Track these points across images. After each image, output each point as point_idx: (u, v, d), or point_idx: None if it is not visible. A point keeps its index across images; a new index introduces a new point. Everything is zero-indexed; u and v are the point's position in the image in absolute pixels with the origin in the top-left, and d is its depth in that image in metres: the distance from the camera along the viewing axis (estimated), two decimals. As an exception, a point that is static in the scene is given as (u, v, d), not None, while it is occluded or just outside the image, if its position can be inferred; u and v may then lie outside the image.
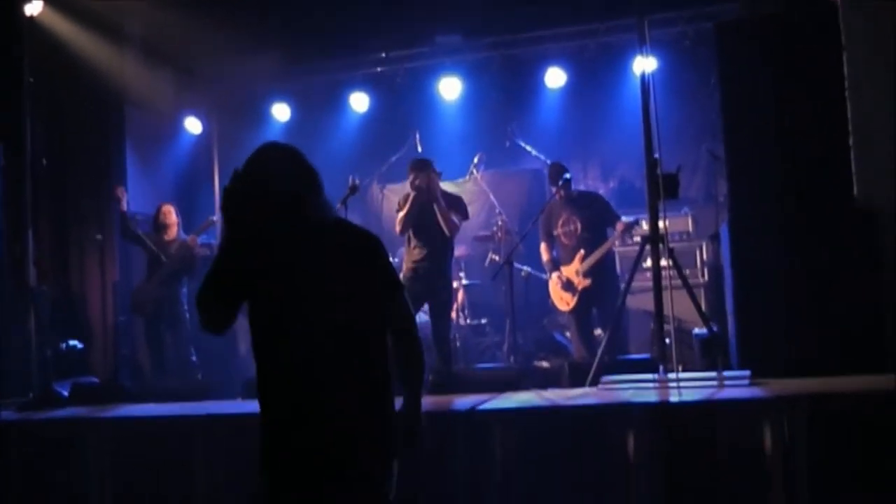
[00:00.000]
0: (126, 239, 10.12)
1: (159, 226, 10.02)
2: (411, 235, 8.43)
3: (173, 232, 9.98)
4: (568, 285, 8.97)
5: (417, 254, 8.35)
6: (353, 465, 3.62)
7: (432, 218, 8.30)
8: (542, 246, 9.38)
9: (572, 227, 9.03)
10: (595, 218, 9.00)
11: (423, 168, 8.41)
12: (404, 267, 8.38)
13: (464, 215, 8.54)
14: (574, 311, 9.01)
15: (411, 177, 8.40)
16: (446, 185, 11.07)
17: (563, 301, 9.11)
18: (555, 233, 9.16)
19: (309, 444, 3.61)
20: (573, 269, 8.92)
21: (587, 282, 8.81)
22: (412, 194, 8.38)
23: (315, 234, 3.78)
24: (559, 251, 9.21)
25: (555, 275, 9.17)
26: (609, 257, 8.98)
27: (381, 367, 3.76)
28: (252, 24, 10.68)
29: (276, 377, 3.73)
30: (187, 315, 9.90)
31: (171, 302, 9.84)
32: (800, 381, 5.95)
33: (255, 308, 3.72)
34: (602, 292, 8.76)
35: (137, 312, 10.09)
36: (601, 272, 8.84)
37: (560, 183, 8.98)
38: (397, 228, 8.51)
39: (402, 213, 8.41)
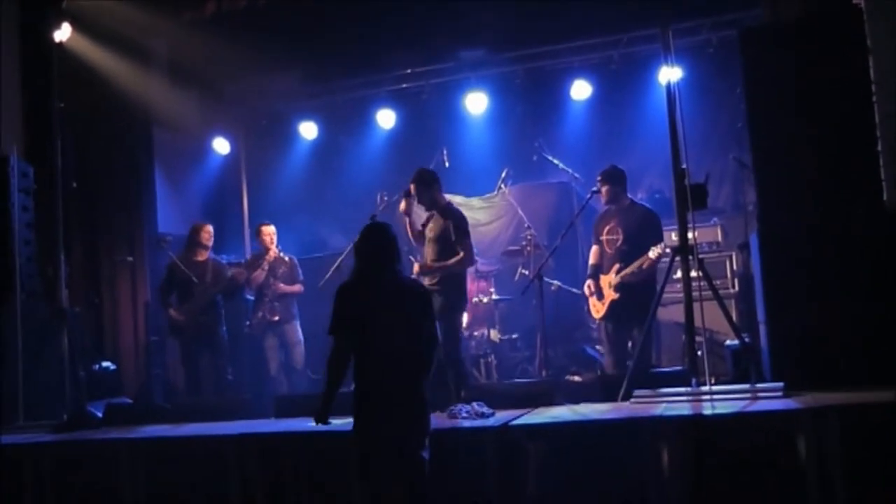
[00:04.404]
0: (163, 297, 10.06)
1: (197, 244, 9.99)
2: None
3: (207, 253, 10.02)
4: (600, 294, 8.87)
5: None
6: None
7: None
8: (593, 249, 9.10)
9: (615, 237, 8.86)
10: (638, 234, 8.70)
11: (413, 181, 8.50)
12: None
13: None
14: (606, 321, 8.89)
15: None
16: (475, 202, 11.12)
17: (595, 308, 8.99)
18: (601, 238, 9.01)
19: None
20: (608, 280, 8.81)
21: (616, 296, 8.68)
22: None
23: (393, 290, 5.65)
24: (604, 259, 9.04)
25: (589, 281, 9.02)
26: (643, 278, 8.73)
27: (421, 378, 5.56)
28: (277, 44, 10.76)
29: (362, 383, 5.51)
30: (225, 335, 9.94)
31: (211, 323, 9.84)
32: (833, 393, 5.89)
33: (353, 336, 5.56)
34: (630, 310, 8.56)
35: (176, 335, 9.98)
36: (632, 291, 8.58)
37: (597, 190, 8.88)
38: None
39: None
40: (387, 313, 5.56)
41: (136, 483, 6.59)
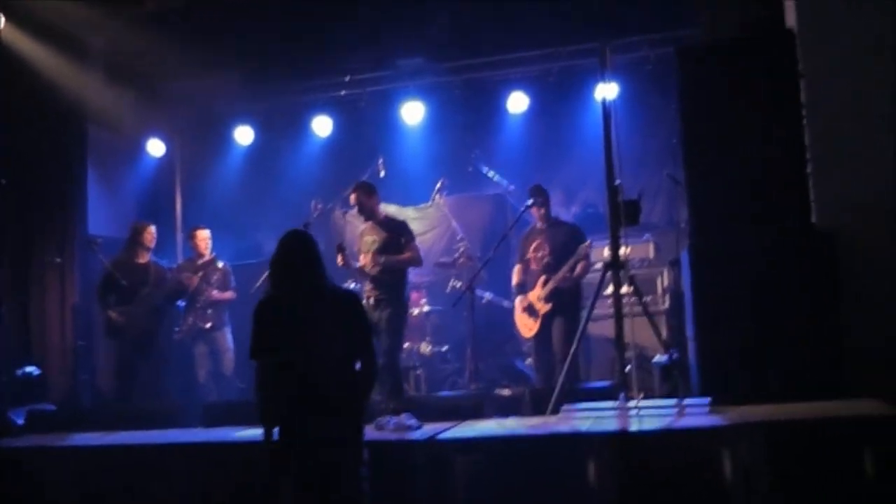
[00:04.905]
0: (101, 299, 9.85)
1: (138, 245, 9.84)
2: None
3: (148, 255, 9.86)
4: (531, 310, 8.93)
5: None
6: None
7: None
8: (516, 268, 9.31)
9: (541, 254, 8.99)
10: (563, 247, 8.91)
11: (353, 191, 8.52)
12: None
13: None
14: (537, 336, 8.96)
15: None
16: (409, 211, 11.07)
17: (525, 327, 9.06)
18: (526, 256, 9.12)
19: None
20: (536, 295, 8.89)
21: (548, 306, 8.77)
22: None
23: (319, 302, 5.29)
24: (528, 276, 9.16)
25: (519, 299, 9.13)
26: (571, 284, 8.87)
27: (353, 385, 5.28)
28: (215, 46, 10.63)
29: (288, 400, 5.14)
30: (161, 340, 9.81)
31: (153, 329, 9.70)
32: (759, 408, 5.96)
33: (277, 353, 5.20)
34: (563, 318, 8.68)
35: (113, 337, 9.75)
36: (561, 297, 8.76)
37: (531, 204, 8.96)
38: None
39: None
40: (315, 329, 5.20)
41: (58, 492, 6.45)
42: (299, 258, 5.33)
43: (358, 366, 5.30)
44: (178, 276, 9.91)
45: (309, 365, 5.14)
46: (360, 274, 8.34)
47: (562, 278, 8.70)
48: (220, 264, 10.12)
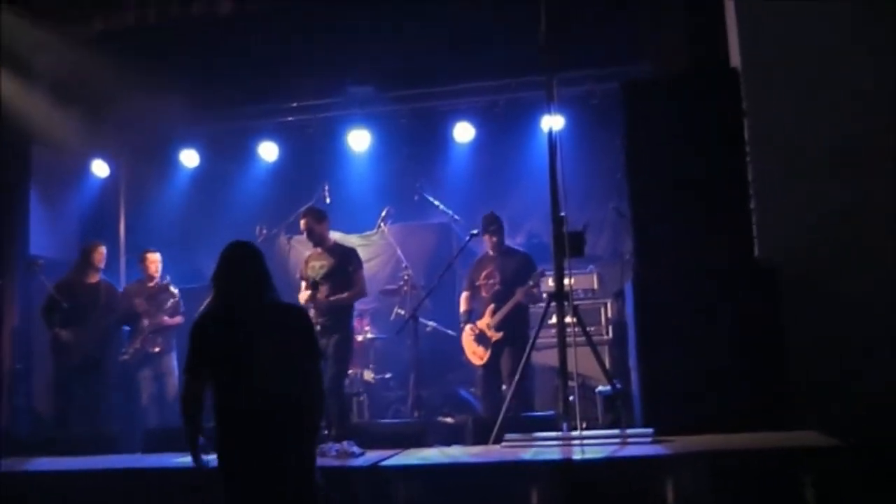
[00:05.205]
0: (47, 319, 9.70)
1: (88, 265, 9.75)
2: None
3: (98, 275, 9.74)
4: (481, 338, 8.94)
5: None
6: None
7: None
8: (464, 295, 9.34)
9: (492, 281, 9.03)
10: (513, 275, 8.97)
11: (304, 216, 8.66)
12: None
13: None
14: (486, 365, 8.97)
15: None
16: (354, 239, 11.07)
17: (476, 355, 9.06)
18: (477, 283, 9.15)
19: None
20: (486, 322, 8.92)
21: (499, 335, 8.81)
22: None
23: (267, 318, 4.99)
24: (477, 303, 9.19)
25: (468, 327, 9.14)
26: (520, 312, 8.91)
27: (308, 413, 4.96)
28: (162, 68, 10.55)
29: (230, 423, 4.84)
30: (105, 364, 9.67)
31: (98, 354, 9.59)
32: (702, 438, 6.02)
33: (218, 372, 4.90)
34: (513, 347, 8.70)
35: (58, 355, 9.57)
36: (512, 326, 8.80)
37: (485, 231, 9.02)
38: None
39: None
40: (262, 347, 4.84)
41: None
42: (243, 270, 5.00)
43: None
44: (129, 300, 9.79)
45: (251, 385, 4.81)
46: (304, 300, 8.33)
47: (510, 308, 8.75)
48: (174, 290, 10.02)
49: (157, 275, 10.04)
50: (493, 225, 9.09)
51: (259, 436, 4.79)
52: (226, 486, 4.86)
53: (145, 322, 9.87)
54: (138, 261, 10.29)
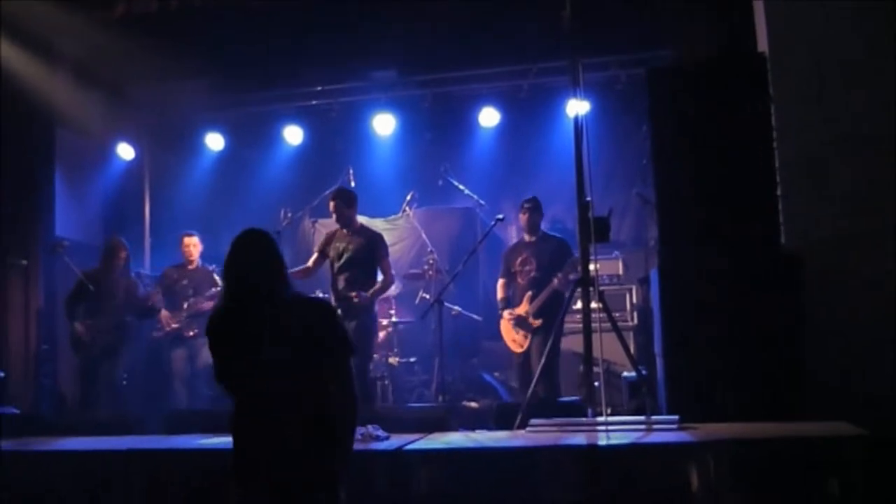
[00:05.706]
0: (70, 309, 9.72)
1: (110, 262, 9.73)
2: None
3: (118, 272, 9.77)
4: (521, 325, 8.90)
5: None
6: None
7: None
8: (500, 282, 9.31)
9: (528, 268, 8.99)
10: (549, 261, 8.92)
11: (333, 198, 8.67)
12: None
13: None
14: (527, 352, 8.93)
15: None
16: (379, 223, 11.09)
17: (515, 342, 9.00)
18: (513, 270, 9.12)
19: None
20: (524, 309, 8.88)
21: (539, 322, 8.77)
22: None
23: (285, 313, 4.45)
24: (514, 290, 9.16)
25: (506, 313, 9.10)
26: (557, 299, 8.77)
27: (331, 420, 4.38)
28: (187, 51, 10.55)
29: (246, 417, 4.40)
30: (124, 347, 9.71)
31: (115, 343, 9.58)
32: (728, 426, 6.00)
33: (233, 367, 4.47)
34: (547, 334, 8.58)
35: (76, 349, 9.60)
36: (550, 313, 8.68)
37: (520, 211, 9.04)
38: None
39: None
40: (275, 346, 4.35)
41: (17, 498, 6.37)
42: (255, 260, 4.50)
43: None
44: (149, 296, 9.80)
45: (266, 393, 4.36)
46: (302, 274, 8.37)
47: (547, 295, 8.72)
48: (218, 279, 9.84)
49: (196, 257, 10.05)
50: (528, 203, 9.05)
51: (272, 445, 4.32)
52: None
53: (185, 305, 9.91)
54: (178, 244, 10.29)
